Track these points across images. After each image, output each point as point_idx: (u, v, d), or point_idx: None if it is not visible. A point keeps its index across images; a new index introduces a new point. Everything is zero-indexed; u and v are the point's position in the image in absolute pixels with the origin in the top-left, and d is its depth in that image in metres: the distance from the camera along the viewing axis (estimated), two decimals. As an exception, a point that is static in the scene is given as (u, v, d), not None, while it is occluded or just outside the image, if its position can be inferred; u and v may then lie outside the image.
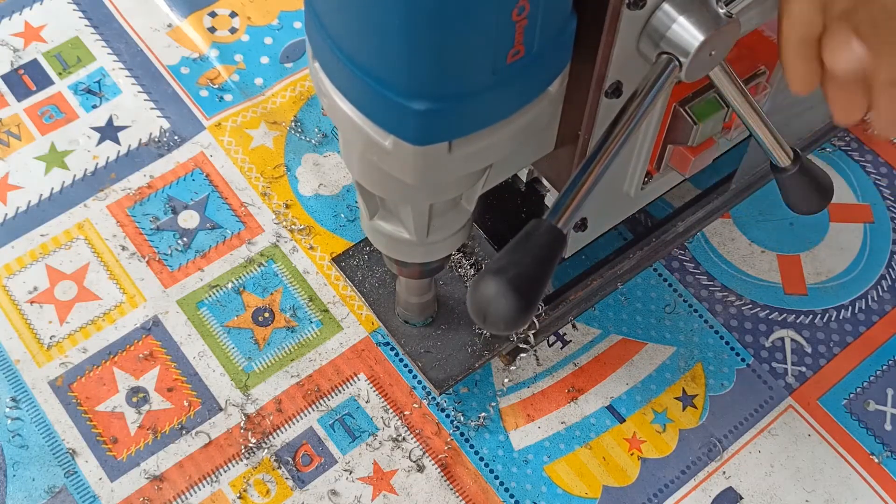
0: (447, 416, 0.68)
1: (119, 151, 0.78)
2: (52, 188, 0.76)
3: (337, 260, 0.73)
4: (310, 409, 0.68)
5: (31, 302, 0.71)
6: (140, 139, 0.79)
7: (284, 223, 0.75)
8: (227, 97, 0.81)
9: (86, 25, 0.85)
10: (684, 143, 0.57)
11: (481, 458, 0.66)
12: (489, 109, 0.45)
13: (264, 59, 0.84)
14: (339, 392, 0.68)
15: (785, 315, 0.73)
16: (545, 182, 0.62)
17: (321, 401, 0.68)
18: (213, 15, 0.86)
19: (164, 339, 0.70)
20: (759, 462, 0.67)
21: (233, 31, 0.85)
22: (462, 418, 0.68)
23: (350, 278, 0.72)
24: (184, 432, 0.67)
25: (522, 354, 0.70)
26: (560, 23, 0.44)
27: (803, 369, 0.70)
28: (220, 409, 0.67)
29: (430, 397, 0.68)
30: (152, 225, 0.75)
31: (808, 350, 0.71)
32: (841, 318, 0.73)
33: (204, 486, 0.65)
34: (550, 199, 0.64)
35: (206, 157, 0.78)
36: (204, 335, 0.70)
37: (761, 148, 0.56)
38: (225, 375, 0.69)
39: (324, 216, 0.76)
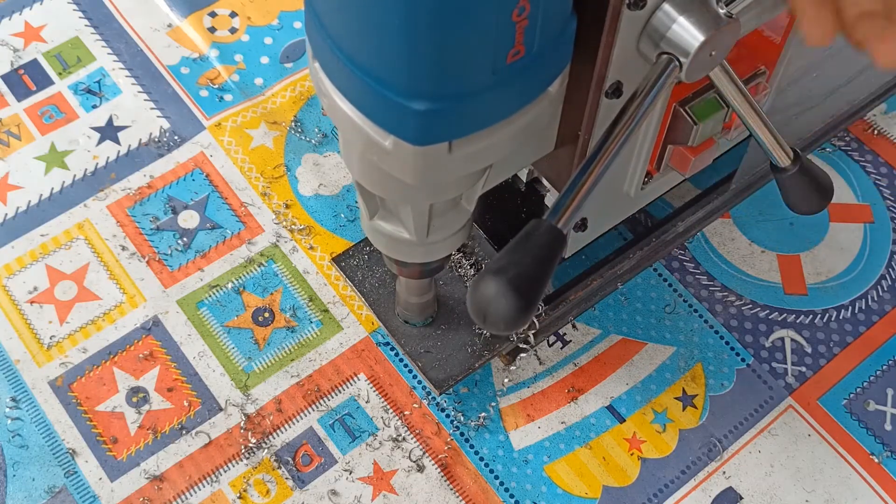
0: (447, 416, 0.68)
1: (119, 151, 0.78)
2: (52, 188, 0.76)
3: (337, 260, 0.73)
4: (310, 409, 0.68)
5: (31, 302, 0.71)
6: (140, 139, 0.79)
7: (284, 223, 0.75)
8: (227, 97, 0.81)
9: (86, 25, 0.85)
10: (684, 143, 0.57)
11: (481, 458, 0.66)
12: (489, 109, 0.45)
13: (264, 59, 0.84)
14: (339, 392, 0.68)
15: (785, 315, 0.73)
16: (545, 182, 0.62)
17: (321, 401, 0.68)
18: (213, 15, 0.86)
19: (164, 339, 0.70)
20: (759, 462, 0.67)
21: (233, 31, 0.85)
22: (462, 418, 0.68)
23: (350, 278, 0.72)
24: (184, 432, 0.67)
25: (522, 354, 0.70)
26: (560, 23, 0.44)
27: (803, 369, 0.70)
28: (220, 409, 0.67)
29: (430, 397, 0.68)
30: (152, 225, 0.75)
31: (808, 350, 0.71)
32: (841, 318, 0.73)
33: (204, 486, 0.65)
34: (550, 199, 0.64)
35: (206, 157, 0.78)
36: (204, 335, 0.70)
37: (761, 148, 0.56)
38: (225, 375, 0.69)
39: (324, 216, 0.76)
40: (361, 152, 0.49)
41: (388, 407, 0.68)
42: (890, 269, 0.75)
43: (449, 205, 0.55)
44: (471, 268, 0.71)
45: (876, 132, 0.81)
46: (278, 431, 0.67)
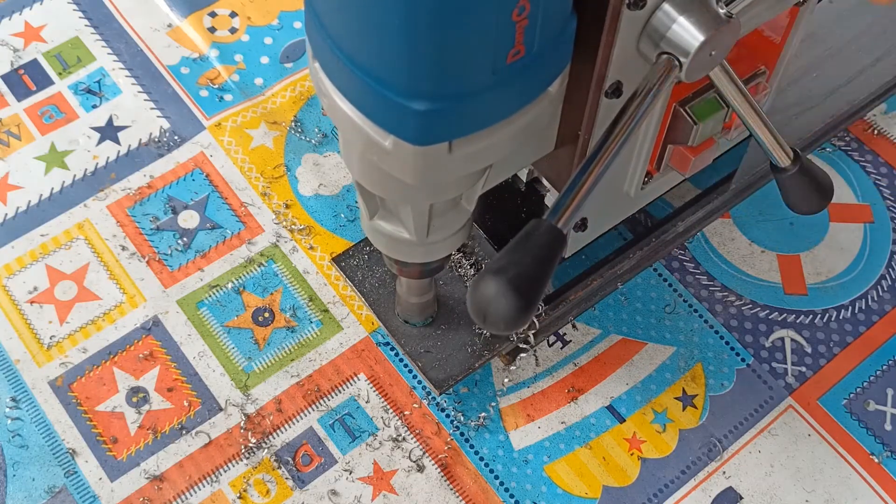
0: (447, 416, 0.68)
1: (119, 151, 0.78)
2: (52, 188, 0.76)
3: (337, 260, 0.73)
4: (310, 409, 0.68)
5: (31, 302, 0.71)
6: (140, 139, 0.79)
7: (284, 223, 0.75)
8: (227, 97, 0.81)
9: (86, 25, 0.85)
10: (684, 143, 0.57)
11: (481, 458, 0.66)
12: (489, 109, 0.45)
13: (264, 59, 0.84)
14: (339, 392, 0.68)
15: (785, 315, 0.73)
16: (545, 182, 0.62)
17: (321, 401, 0.68)
18: (213, 15, 0.86)
19: (164, 339, 0.70)
20: (759, 462, 0.67)
21: (233, 31, 0.85)
22: (462, 418, 0.68)
23: (350, 278, 0.72)
24: (184, 432, 0.67)
25: (522, 354, 0.70)
26: (560, 23, 0.44)
27: (803, 369, 0.70)
28: (220, 409, 0.67)
29: (430, 397, 0.68)
30: (152, 225, 0.75)
31: (808, 350, 0.71)
32: (841, 318, 0.73)
33: (204, 486, 0.65)
34: (550, 199, 0.64)
35: (206, 157, 0.78)
36: (204, 335, 0.70)
37: (761, 148, 0.56)
38: (225, 375, 0.69)
39: (324, 216, 0.76)
40: (361, 152, 0.49)
41: (388, 407, 0.68)
42: (890, 269, 0.75)
43: (449, 205, 0.55)
44: (471, 268, 0.71)
45: (876, 132, 0.81)
46: (278, 431, 0.67)
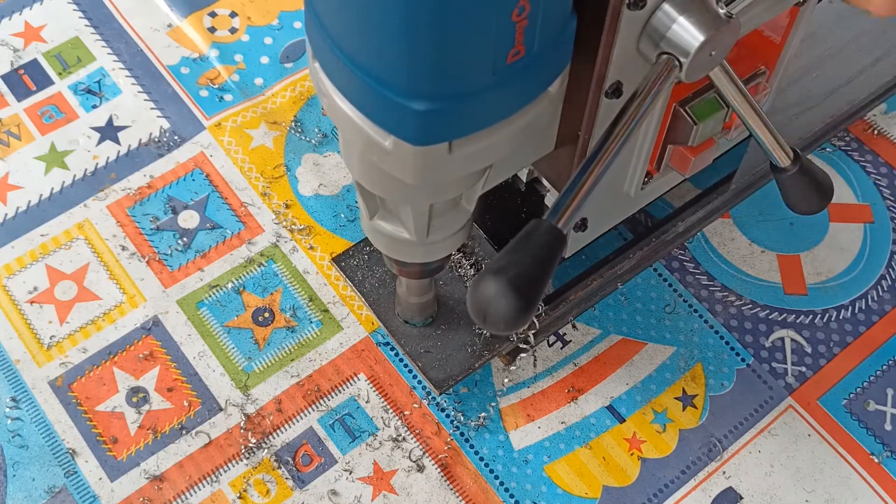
0: (447, 416, 0.68)
1: (119, 151, 0.78)
2: (52, 188, 0.76)
3: (337, 260, 0.73)
4: (310, 409, 0.68)
5: (31, 302, 0.71)
6: (140, 139, 0.79)
7: (284, 223, 0.75)
8: (227, 97, 0.81)
9: (86, 25, 0.85)
10: (684, 143, 0.57)
11: (481, 458, 0.66)
12: (489, 109, 0.45)
13: (264, 59, 0.84)
14: (339, 392, 0.68)
15: (785, 315, 0.73)
16: (545, 182, 0.62)
17: (321, 401, 0.68)
18: (213, 15, 0.86)
19: (164, 339, 0.70)
20: (759, 462, 0.67)
21: (233, 31, 0.85)
22: (462, 418, 0.68)
23: (350, 278, 0.72)
24: (184, 432, 0.67)
25: (522, 354, 0.70)
26: (560, 23, 0.44)
27: (803, 369, 0.70)
28: (220, 409, 0.67)
29: (430, 397, 0.68)
30: (152, 225, 0.75)
31: (808, 350, 0.71)
32: (841, 318, 0.73)
33: (204, 486, 0.65)
34: (550, 199, 0.64)
35: (206, 157, 0.78)
36: (204, 335, 0.70)
37: (761, 148, 0.56)
38: (225, 375, 0.69)
39: (324, 216, 0.76)
40: (361, 152, 0.49)
41: (388, 407, 0.68)
42: (890, 269, 0.75)
43: (449, 205, 0.55)
44: (471, 268, 0.71)
45: (876, 132, 0.81)
46: (278, 431, 0.67)
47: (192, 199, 0.76)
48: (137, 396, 0.68)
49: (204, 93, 0.81)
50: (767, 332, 0.72)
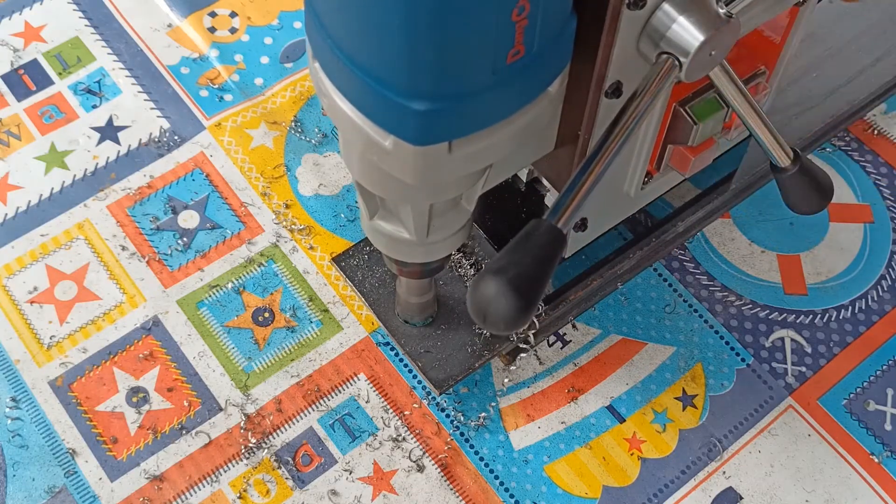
0: (447, 416, 0.68)
1: (119, 151, 0.78)
2: (52, 188, 0.76)
3: (337, 260, 0.73)
4: (310, 409, 0.68)
5: (31, 302, 0.71)
6: (140, 139, 0.79)
7: (284, 223, 0.75)
8: (227, 97, 0.81)
9: (86, 25, 0.85)
10: (684, 143, 0.57)
11: (481, 458, 0.66)
12: (489, 109, 0.45)
13: (264, 59, 0.84)
14: (339, 392, 0.68)
15: (785, 315, 0.73)
16: (545, 182, 0.62)
17: (321, 401, 0.68)
18: (213, 15, 0.86)
19: (164, 339, 0.70)
20: (759, 462, 0.67)
21: (233, 31, 0.85)
22: (462, 418, 0.68)
23: (350, 278, 0.72)
24: (184, 432, 0.67)
25: (522, 354, 0.70)
26: (560, 23, 0.44)
27: (803, 369, 0.70)
28: (220, 409, 0.67)
29: (430, 397, 0.68)
30: (152, 225, 0.75)
31: (808, 350, 0.71)
32: (841, 318, 0.73)
33: (204, 486, 0.65)
34: (550, 199, 0.64)
35: (206, 157, 0.78)
36: (204, 335, 0.70)
37: (761, 148, 0.56)
38: (225, 375, 0.69)
39: (324, 216, 0.76)
40: (361, 152, 0.49)
41: (388, 407, 0.68)
42: (890, 269, 0.75)
43: (449, 205, 0.55)
44: (471, 268, 0.71)
45: (876, 132, 0.81)
46: (278, 431, 0.67)
47: (192, 199, 0.76)
48: (137, 396, 0.68)
49: (204, 93, 0.81)
50: (767, 332, 0.72)
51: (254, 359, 0.69)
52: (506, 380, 0.69)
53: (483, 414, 0.68)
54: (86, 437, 0.66)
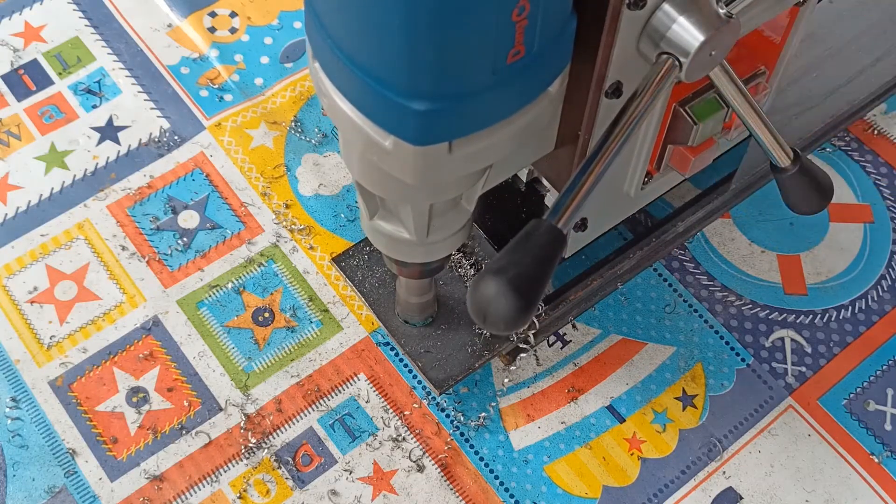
0: (447, 416, 0.68)
1: (119, 151, 0.78)
2: (52, 188, 0.76)
3: (337, 260, 0.73)
4: (310, 409, 0.68)
5: (31, 302, 0.71)
6: (140, 139, 0.79)
7: (284, 223, 0.75)
8: (227, 97, 0.81)
9: (86, 25, 0.85)
10: (684, 143, 0.57)
11: (481, 458, 0.66)
12: (489, 109, 0.45)
13: (264, 59, 0.84)
14: (339, 392, 0.68)
15: (785, 315, 0.73)
16: (545, 182, 0.62)
17: (321, 401, 0.68)
18: (213, 15, 0.86)
19: (164, 339, 0.70)
20: (759, 462, 0.67)
21: (233, 31, 0.85)
22: (462, 418, 0.68)
23: (350, 278, 0.72)
24: (184, 432, 0.67)
25: (522, 354, 0.70)
26: (560, 23, 0.44)
27: (803, 369, 0.70)
28: (220, 409, 0.67)
29: (430, 397, 0.68)
30: (152, 225, 0.75)
31: (808, 350, 0.71)
32: (841, 318, 0.73)
33: (204, 486, 0.65)
34: (550, 199, 0.64)
35: (206, 157, 0.78)
36: (204, 335, 0.70)
37: (761, 148, 0.56)
38: (225, 375, 0.69)
39: (324, 216, 0.76)
40: (361, 152, 0.49)
41: (388, 407, 0.68)
42: (890, 269, 0.75)
43: (449, 205, 0.55)
44: (471, 268, 0.71)
45: (876, 132, 0.81)
46: (278, 431, 0.67)
47: (192, 199, 0.76)
48: (137, 396, 0.68)
49: (204, 93, 0.81)
50: (767, 332, 0.72)
51: (254, 359, 0.69)
52: (506, 380, 0.69)
53: (483, 414, 0.68)
54: (86, 437, 0.66)
